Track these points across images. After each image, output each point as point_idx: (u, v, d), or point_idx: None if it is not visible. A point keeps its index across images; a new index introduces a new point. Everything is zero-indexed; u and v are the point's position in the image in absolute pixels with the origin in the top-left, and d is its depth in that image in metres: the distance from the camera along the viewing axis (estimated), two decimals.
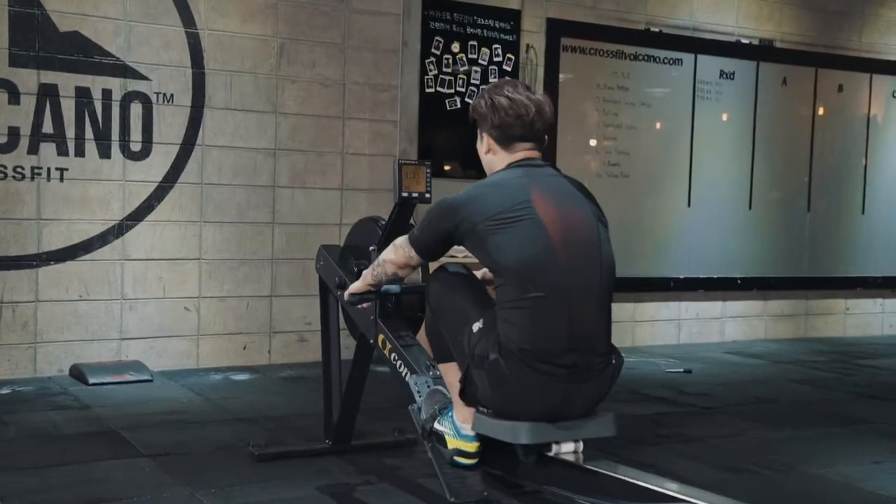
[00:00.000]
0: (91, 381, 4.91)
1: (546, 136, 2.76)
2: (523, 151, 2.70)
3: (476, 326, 2.56)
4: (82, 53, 5.13)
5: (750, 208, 7.40)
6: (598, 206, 2.76)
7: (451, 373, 2.72)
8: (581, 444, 2.54)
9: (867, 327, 7.99)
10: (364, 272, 3.03)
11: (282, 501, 3.17)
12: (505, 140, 2.69)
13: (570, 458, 2.53)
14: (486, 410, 2.59)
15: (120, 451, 3.71)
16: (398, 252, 2.82)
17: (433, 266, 2.94)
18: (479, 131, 2.76)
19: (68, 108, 5.11)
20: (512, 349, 2.47)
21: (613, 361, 2.61)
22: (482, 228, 2.54)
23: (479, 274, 2.87)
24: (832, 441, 4.24)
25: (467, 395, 2.62)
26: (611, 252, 2.66)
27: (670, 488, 2.38)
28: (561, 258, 2.50)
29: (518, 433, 2.50)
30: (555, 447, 2.53)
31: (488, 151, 2.75)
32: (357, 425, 3.72)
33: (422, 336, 3.49)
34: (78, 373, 5.03)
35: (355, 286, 3.02)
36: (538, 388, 2.47)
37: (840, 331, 7.87)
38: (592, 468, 2.49)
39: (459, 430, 2.70)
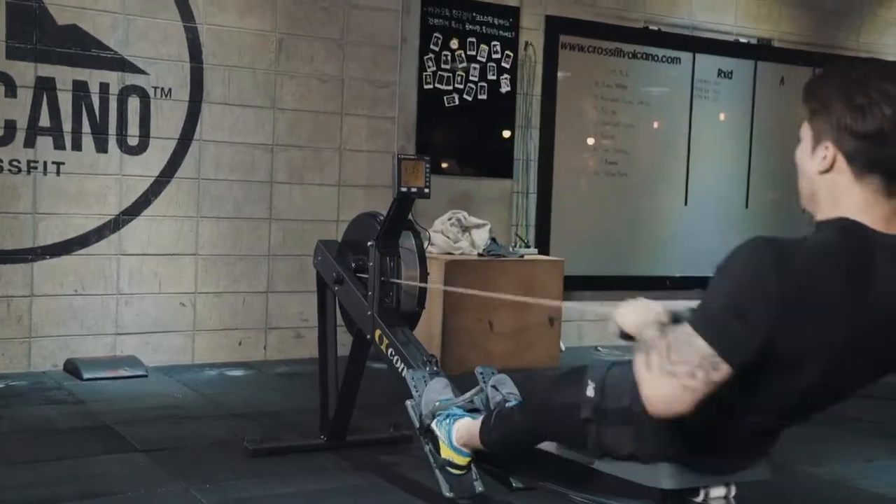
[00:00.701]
0: (86, 375, 4.90)
1: None
2: (875, 194, 1.65)
3: (590, 391, 2.06)
4: (80, 47, 5.12)
5: (747, 207, 7.40)
6: None
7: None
8: (734, 489, 2.10)
9: None
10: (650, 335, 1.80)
11: (276, 497, 3.17)
12: (864, 164, 1.64)
13: None
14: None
15: (114, 446, 3.70)
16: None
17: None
18: (813, 130, 1.70)
19: (65, 101, 5.09)
20: None
21: None
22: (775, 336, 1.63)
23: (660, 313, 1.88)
24: (825, 440, 4.23)
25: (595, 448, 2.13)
26: None
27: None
28: None
29: (661, 477, 2.04)
30: (702, 492, 2.06)
31: (829, 170, 1.67)
32: (353, 421, 3.72)
33: (418, 332, 3.49)
34: (72, 367, 5.01)
35: (642, 333, 1.85)
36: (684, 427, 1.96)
37: None
38: None
39: (454, 442, 2.68)
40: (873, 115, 1.60)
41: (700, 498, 2.05)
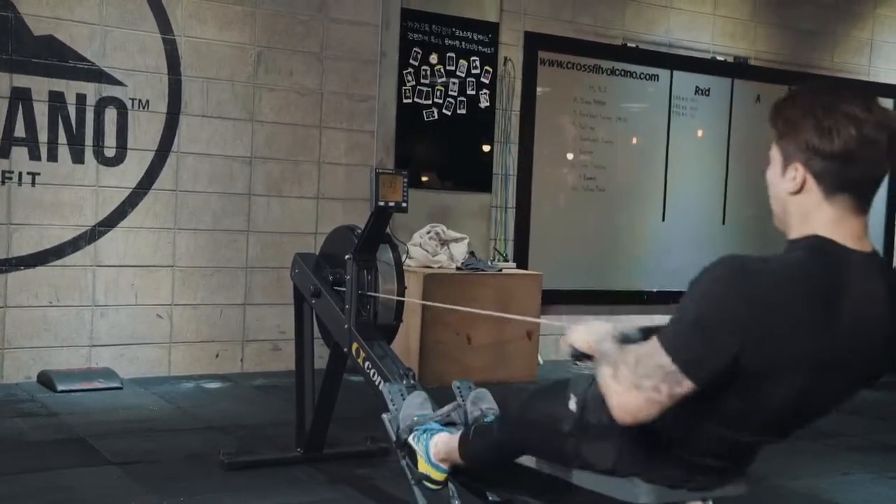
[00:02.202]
0: (59, 387, 4.85)
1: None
2: (845, 213, 1.69)
3: (572, 405, 2.05)
4: (56, 58, 5.09)
5: (723, 223, 7.46)
6: None
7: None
8: None
9: None
10: (609, 348, 1.87)
11: None
12: (833, 185, 1.67)
13: None
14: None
15: (88, 459, 3.66)
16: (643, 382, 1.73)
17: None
18: (781, 151, 1.73)
19: (41, 112, 5.06)
20: None
21: None
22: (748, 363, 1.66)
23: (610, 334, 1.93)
24: (802, 454, 4.26)
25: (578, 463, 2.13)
26: None
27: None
28: None
29: (638, 493, 2.04)
30: None
31: (799, 191, 1.70)
32: (330, 434, 3.70)
33: (396, 345, 3.49)
34: (46, 379, 4.96)
35: (599, 347, 1.91)
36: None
37: None
38: None
39: (431, 458, 2.68)
40: (840, 136, 1.63)
41: None
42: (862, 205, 1.69)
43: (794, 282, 1.64)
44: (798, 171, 1.69)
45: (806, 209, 1.70)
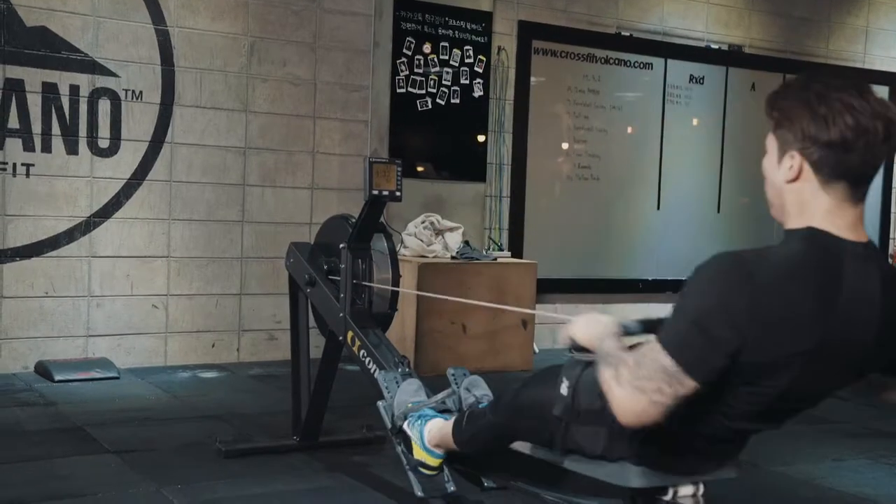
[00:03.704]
0: (57, 377, 4.86)
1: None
2: (842, 202, 1.70)
3: (564, 389, 2.07)
4: (49, 49, 5.08)
5: (718, 212, 7.48)
6: None
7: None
8: (702, 487, 2.13)
9: None
10: (608, 345, 1.86)
11: (248, 498, 3.16)
12: (830, 172, 1.69)
13: (689, 502, 2.15)
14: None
15: (85, 448, 3.68)
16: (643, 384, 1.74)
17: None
18: (778, 141, 1.75)
19: (34, 103, 5.06)
20: None
21: None
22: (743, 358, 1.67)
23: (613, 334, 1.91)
24: (795, 439, 4.29)
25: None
26: None
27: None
28: None
29: (629, 476, 2.07)
30: (671, 490, 2.11)
31: (796, 179, 1.71)
32: (325, 422, 3.72)
33: (391, 334, 3.50)
34: (43, 370, 4.97)
35: (600, 345, 1.89)
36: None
37: None
38: None
39: (426, 443, 2.69)
40: (836, 125, 1.65)
41: (669, 496, 2.08)
42: (857, 193, 1.71)
43: (791, 277, 1.65)
44: (794, 160, 1.70)
45: (802, 198, 1.71)
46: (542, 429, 2.16)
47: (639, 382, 1.68)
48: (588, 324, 1.96)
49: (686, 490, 2.09)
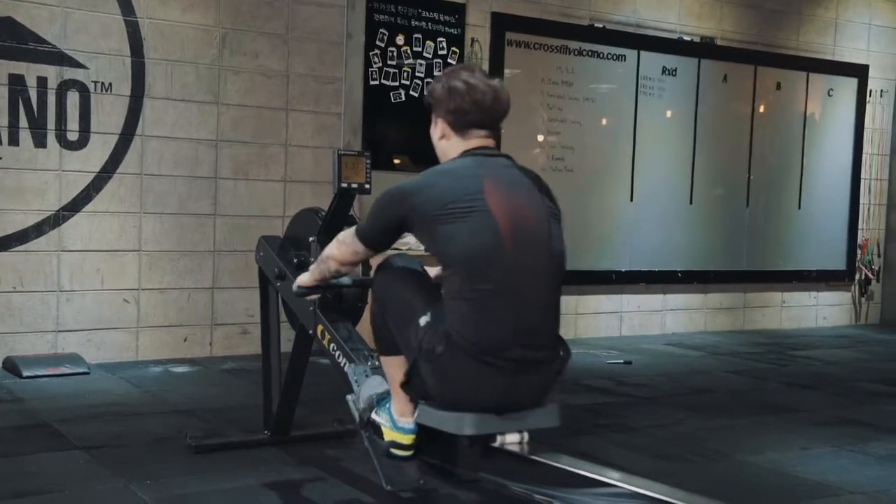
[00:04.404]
0: (25, 373, 4.82)
1: (501, 125, 2.71)
2: (478, 139, 2.65)
3: (423, 320, 2.52)
4: (16, 40, 5.02)
5: (691, 203, 7.52)
6: (552, 199, 2.68)
7: (393, 365, 2.71)
8: (526, 435, 2.55)
9: (802, 319, 8.17)
10: (311, 266, 3.00)
11: (219, 493, 3.15)
12: (460, 126, 2.64)
13: (515, 448, 2.54)
14: (430, 402, 2.57)
15: (53, 444, 3.65)
16: (341, 248, 2.80)
17: (377, 259, 2.91)
18: (433, 116, 2.70)
19: (1, 95, 5.00)
20: (458, 342, 2.45)
21: (561, 354, 2.61)
22: (432, 217, 2.51)
23: (432, 272, 2.85)
24: (764, 429, 4.34)
25: (412, 388, 2.60)
26: (561, 247, 2.64)
27: (610, 476, 2.41)
28: (509, 252, 2.48)
29: (463, 424, 2.50)
30: (499, 438, 2.53)
31: (442, 137, 2.69)
32: (297, 416, 3.71)
33: (362, 327, 3.49)
34: (11, 365, 4.93)
35: (303, 279, 3.00)
36: (484, 380, 2.47)
37: (776, 323, 8.04)
38: (534, 458, 2.50)
39: (396, 422, 2.71)
40: (454, 99, 2.63)
41: (497, 443, 2.53)
42: (489, 134, 2.67)
43: (442, 171, 2.62)
44: (440, 124, 2.68)
45: (448, 145, 2.67)
46: (404, 327, 2.61)
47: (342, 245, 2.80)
48: (305, 274, 3.02)
49: (513, 437, 2.54)
